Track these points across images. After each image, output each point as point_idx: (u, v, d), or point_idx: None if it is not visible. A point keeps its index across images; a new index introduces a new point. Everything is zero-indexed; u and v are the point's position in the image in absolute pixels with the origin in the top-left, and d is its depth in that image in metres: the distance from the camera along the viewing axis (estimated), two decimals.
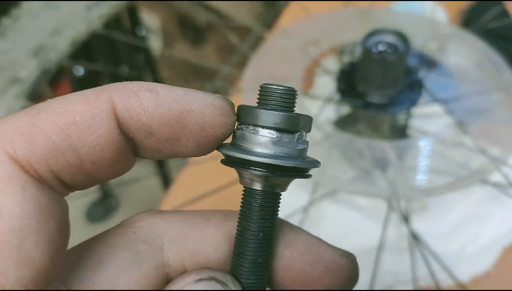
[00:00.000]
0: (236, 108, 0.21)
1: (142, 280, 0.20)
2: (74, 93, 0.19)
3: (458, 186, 0.44)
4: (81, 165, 0.18)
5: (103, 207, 1.36)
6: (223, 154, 0.21)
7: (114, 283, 0.20)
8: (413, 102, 0.52)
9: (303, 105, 0.51)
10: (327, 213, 0.53)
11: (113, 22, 0.99)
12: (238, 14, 1.26)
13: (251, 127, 0.20)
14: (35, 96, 0.57)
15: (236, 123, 0.21)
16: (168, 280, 0.21)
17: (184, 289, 0.19)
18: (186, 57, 0.66)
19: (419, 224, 0.52)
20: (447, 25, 0.61)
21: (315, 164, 0.21)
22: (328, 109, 0.64)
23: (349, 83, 0.55)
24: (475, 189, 0.55)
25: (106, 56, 1.16)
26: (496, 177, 0.48)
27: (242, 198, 0.21)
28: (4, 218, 0.16)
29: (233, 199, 0.26)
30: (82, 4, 0.66)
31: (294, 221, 0.32)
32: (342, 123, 0.60)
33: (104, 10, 0.67)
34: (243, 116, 0.20)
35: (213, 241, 0.21)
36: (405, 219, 0.47)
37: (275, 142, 0.20)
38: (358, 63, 0.54)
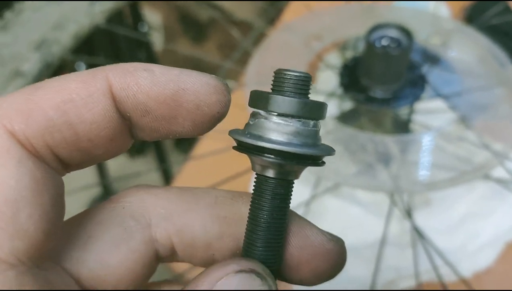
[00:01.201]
0: (249, 94, 0.21)
1: (131, 255, 0.20)
2: (71, 73, 0.19)
3: (461, 181, 0.44)
4: (78, 141, 0.18)
5: None
6: (235, 140, 0.21)
7: (104, 261, 0.20)
8: (416, 97, 0.52)
9: None
10: (330, 207, 0.53)
11: (115, 17, 0.99)
12: (240, 10, 1.26)
13: (264, 113, 0.20)
14: None
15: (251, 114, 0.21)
16: (157, 256, 0.21)
17: (223, 278, 0.19)
18: (187, 53, 0.66)
19: (421, 219, 0.52)
20: (450, 20, 0.61)
21: (330, 151, 0.20)
22: (331, 104, 0.64)
23: (352, 78, 0.55)
24: (478, 184, 0.55)
25: (107, 51, 1.16)
26: (499, 172, 0.48)
27: (254, 185, 0.21)
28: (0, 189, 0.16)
29: None
30: None
31: None
32: (345, 118, 0.60)
33: (107, 5, 0.67)
34: (256, 102, 0.20)
35: (201, 221, 0.21)
36: (408, 213, 0.47)
37: (289, 128, 0.19)
38: (361, 58, 0.53)
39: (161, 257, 0.22)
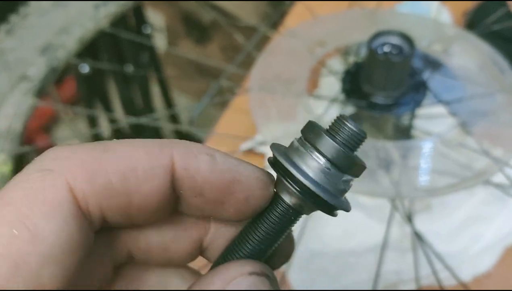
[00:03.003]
0: (307, 124, 0.21)
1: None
2: (139, 139, 0.20)
3: (462, 187, 0.44)
4: (128, 209, 0.19)
5: None
6: (274, 156, 0.21)
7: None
8: (418, 104, 0.53)
9: (308, 105, 0.52)
10: None
11: (119, 21, 1.00)
12: (243, 14, 1.26)
13: (309, 145, 0.20)
14: (43, 93, 0.57)
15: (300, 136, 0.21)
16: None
17: (236, 279, 0.19)
18: (191, 55, 0.66)
19: (422, 224, 0.52)
20: (451, 26, 0.61)
21: (346, 206, 0.21)
22: (333, 110, 0.65)
23: (354, 84, 0.55)
24: (479, 189, 0.55)
25: (111, 54, 1.16)
26: (499, 178, 0.49)
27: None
28: (37, 241, 0.16)
29: None
30: (90, 3, 0.66)
31: None
32: None
33: (111, 9, 0.67)
34: (308, 133, 0.21)
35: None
36: (409, 218, 0.48)
37: (323, 171, 0.20)
38: (363, 64, 0.54)
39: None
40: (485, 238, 0.52)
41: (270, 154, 0.63)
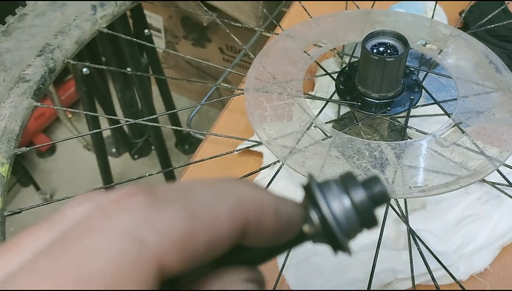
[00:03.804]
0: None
1: None
2: (217, 192, 0.20)
3: (457, 186, 0.44)
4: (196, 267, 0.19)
5: None
6: (309, 185, 0.23)
7: None
8: (413, 103, 0.53)
9: (304, 106, 0.52)
10: None
11: (117, 22, 1.00)
12: (241, 15, 1.26)
13: (342, 188, 0.22)
14: (40, 95, 0.58)
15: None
16: None
17: (231, 286, 0.20)
18: (189, 56, 0.66)
19: (417, 223, 0.53)
20: (447, 26, 0.61)
21: (350, 252, 0.22)
22: (328, 109, 0.65)
23: (349, 84, 0.55)
24: (474, 188, 0.55)
25: (110, 55, 1.17)
26: (494, 176, 0.49)
27: None
28: None
29: None
30: (87, 4, 0.66)
31: None
32: (342, 123, 0.61)
33: (109, 10, 0.68)
34: (345, 179, 0.22)
35: None
36: (404, 217, 0.48)
37: (345, 214, 0.21)
38: (358, 64, 0.54)
39: None
40: (481, 237, 0.53)
41: (267, 153, 0.63)
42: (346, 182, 0.22)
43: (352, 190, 0.22)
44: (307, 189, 0.23)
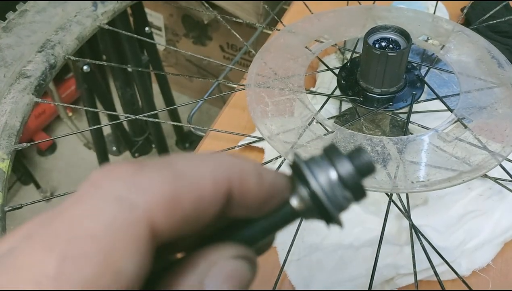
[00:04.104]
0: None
1: None
2: (196, 156, 0.20)
3: (459, 181, 0.44)
4: (189, 230, 0.19)
5: None
6: (294, 161, 0.23)
7: None
8: (415, 98, 0.53)
9: (305, 101, 0.52)
10: None
11: (118, 19, 1.00)
12: (242, 13, 1.26)
13: (327, 161, 0.22)
14: (41, 91, 0.57)
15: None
16: None
17: (218, 263, 0.20)
18: (190, 54, 0.66)
19: (420, 218, 0.52)
20: (449, 21, 0.61)
21: (341, 222, 0.22)
22: (330, 105, 0.65)
23: (351, 79, 0.55)
24: (477, 184, 0.55)
25: (110, 52, 1.17)
26: (497, 172, 0.49)
27: None
28: (121, 280, 0.16)
29: None
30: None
31: None
32: (344, 119, 0.60)
33: (110, 7, 0.67)
34: (330, 152, 0.23)
35: None
36: (406, 213, 0.47)
37: (331, 184, 0.22)
38: (360, 60, 0.54)
39: None
40: (483, 232, 0.52)
41: (268, 149, 0.63)
42: (332, 155, 0.22)
43: (338, 163, 0.22)
44: (294, 167, 0.23)
